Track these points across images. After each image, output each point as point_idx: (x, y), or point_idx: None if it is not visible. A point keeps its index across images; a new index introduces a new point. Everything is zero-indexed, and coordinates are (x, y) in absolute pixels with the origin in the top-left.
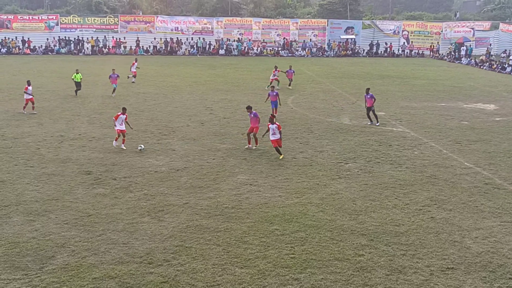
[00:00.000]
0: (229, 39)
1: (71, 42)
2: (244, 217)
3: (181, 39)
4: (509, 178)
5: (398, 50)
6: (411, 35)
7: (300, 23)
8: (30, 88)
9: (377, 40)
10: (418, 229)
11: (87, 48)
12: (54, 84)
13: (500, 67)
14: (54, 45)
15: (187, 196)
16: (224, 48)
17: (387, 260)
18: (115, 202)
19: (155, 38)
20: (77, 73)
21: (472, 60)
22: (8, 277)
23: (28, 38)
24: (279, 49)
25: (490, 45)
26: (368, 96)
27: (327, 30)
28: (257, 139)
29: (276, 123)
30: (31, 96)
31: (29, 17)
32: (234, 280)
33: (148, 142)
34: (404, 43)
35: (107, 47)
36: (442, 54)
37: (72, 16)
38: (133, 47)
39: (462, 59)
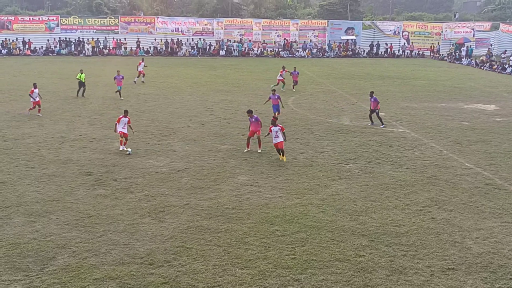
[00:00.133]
0: (230, 40)
1: (72, 43)
2: (245, 218)
3: (181, 40)
4: (510, 179)
5: (399, 50)
6: (411, 36)
7: (301, 24)
8: (36, 91)
9: (378, 41)
10: (419, 229)
11: (88, 49)
12: (54, 85)
13: (500, 68)
14: (55, 46)
15: (188, 197)
16: (225, 49)
17: (388, 261)
18: (115, 203)
19: (155, 39)
20: (81, 73)
21: (473, 61)
22: (9, 278)
23: (29, 39)
24: (280, 50)
25: (491, 45)
26: (372, 99)
27: (327, 31)
28: (260, 143)
29: (279, 125)
30: (36, 100)
31: (29, 18)
32: (234, 281)
33: (149, 143)
34: (404, 43)
35: (108, 48)
36: (443, 54)
37: (73, 17)
38: (134, 48)
39: (462, 59)
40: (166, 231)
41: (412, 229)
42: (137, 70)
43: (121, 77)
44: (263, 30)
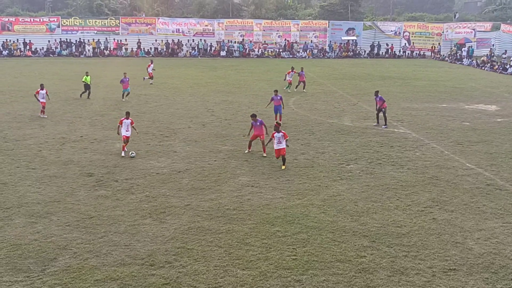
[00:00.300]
0: (230, 41)
1: (73, 44)
2: (246, 219)
3: (182, 41)
4: (511, 179)
5: (399, 51)
6: (412, 36)
7: (301, 24)
8: (41, 92)
9: (378, 41)
10: (420, 230)
11: (89, 50)
12: (55, 86)
13: (501, 68)
14: (56, 47)
15: (189, 198)
16: (225, 50)
17: (389, 262)
18: (116, 204)
19: (156, 40)
20: (87, 75)
21: (474, 61)
22: (10, 279)
23: (30, 40)
24: (280, 50)
25: (493, 45)
26: (377, 99)
27: (328, 32)
28: (264, 147)
29: (282, 131)
30: (42, 100)
31: (30, 19)
32: (236, 282)
33: (150, 144)
34: (405, 44)
35: (108, 49)
36: (443, 55)
37: (74, 18)
38: (134, 49)
39: (463, 60)
40: (167, 232)
41: (413, 229)
42: (147, 71)
43: (127, 79)
44: (264, 30)
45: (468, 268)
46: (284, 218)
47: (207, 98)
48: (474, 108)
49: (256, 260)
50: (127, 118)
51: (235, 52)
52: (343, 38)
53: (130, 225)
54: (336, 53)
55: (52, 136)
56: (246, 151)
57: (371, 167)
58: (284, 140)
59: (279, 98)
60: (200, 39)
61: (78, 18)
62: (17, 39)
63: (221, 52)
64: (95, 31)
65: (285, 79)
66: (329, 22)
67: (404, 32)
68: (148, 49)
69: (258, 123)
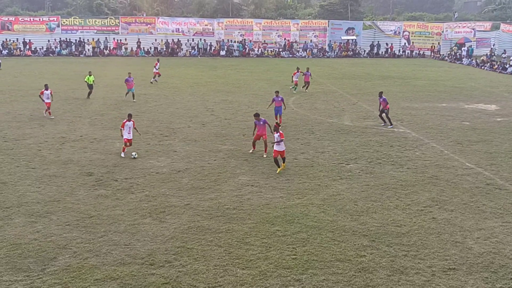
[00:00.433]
0: (230, 40)
1: (72, 43)
2: (246, 218)
3: (181, 41)
4: (511, 179)
5: (399, 50)
6: (412, 36)
7: (301, 24)
8: (46, 92)
9: (378, 41)
10: (420, 229)
11: (88, 49)
12: (55, 85)
13: (501, 68)
14: (55, 47)
15: (189, 197)
16: (225, 49)
17: (389, 261)
18: (116, 204)
19: (156, 40)
20: (90, 75)
21: (473, 61)
22: (10, 279)
23: (29, 40)
24: (280, 50)
25: (494, 45)
26: (381, 99)
27: (328, 31)
28: (266, 147)
29: (280, 131)
30: (48, 101)
31: (30, 19)
32: (235, 281)
33: (150, 143)
34: (405, 43)
35: (108, 49)
36: (443, 54)
37: (73, 18)
38: (134, 49)
39: (463, 59)
40: (167, 232)
41: (413, 229)
42: (155, 70)
43: (132, 79)
44: (264, 30)
45: (468, 267)
46: (284, 218)
47: (207, 98)
48: (474, 107)
49: (256, 260)
50: (129, 120)
51: (235, 51)
52: (342, 37)
53: (130, 224)
54: (335, 53)
55: (52, 135)
56: (250, 151)
57: (371, 167)
58: (281, 141)
59: (280, 99)
60: (200, 39)
61: (78, 17)
62: (17, 39)
63: (221, 51)
64: (95, 31)
65: (292, 81)
66: (328, 22)
67: (403, 31)
68: (148, 49)
69: (261, 122)
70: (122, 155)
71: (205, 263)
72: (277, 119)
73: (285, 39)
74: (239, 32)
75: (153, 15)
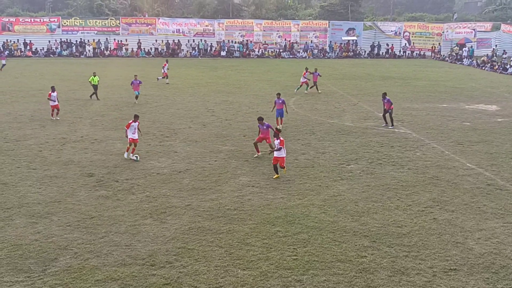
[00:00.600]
0: (231, 41)
1: (73, 44)
2: (246, 219)
3: (182, 41)
4: None
5: (400, 51)
6: (412, 36)
7: (302, 24)
8: (54, 94)
9: (379, 42)
10: (421, 230)
11: (89, 50)
12: (56, 86)
13: (501, 68)
14: (56, 48)
15: (189, 198)
16: (226, 50)
17: (390, 262)
18: (117, 204)
19: (156, 40)
20: (94, 75)
21: (474, 61)
22: (11, 280)
23: (30, 41)
24: (281, 50)
25: (496, 45)
26: (385, 101)
27: (328, 32)
28: (272, 149)
29: (280, 138)
30: (56, 103)
31: (31, 20)
32: (236, 282)
33: (150, 144)
34: (405, 44)
35: (109, 49)
36: (444, 55)
37: (74, 19)
38: (135, 49)
39: (463, 60)
40: (167, 232)
41: (414, 229)
42: (162, 71)
43: (138, 82)
44: (264, 31)
45: (469, 268)
46: (285, 218)
47: (208, 98)
48: (475, 108)
49: (257, 260)
50: (135, 121)
51: (235, 52)
52: (343, 38)
53: (131, 225)
54: (336, 53)
55: (53, 136)
56: (255, 155)
57: (372, 167)
58: (282, 148)
59: (281, 101)
60: (201, 39)
61: (78, 18)
62: (18, 40)
63: (222, 52)
64: (96, 32)
65: (304, 83)
66: (329, 22)
67: (404, 32)
68: (148, 50)
69: (264, 127)
70: (125, 156)
71: (206, 264)
72: (278, 123)
73: (285, 39)
74: (239, 33)
75: (154, 15)
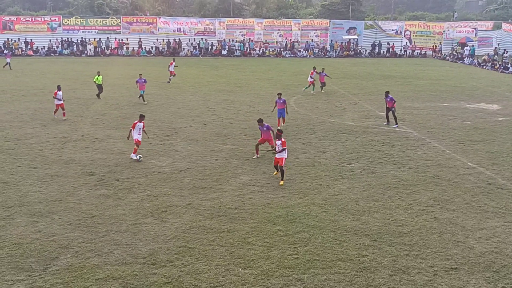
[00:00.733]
0: (232, 40)
1: (74, 43)
2: (247, 218)
3: (182, 40)
4: None
5: (401, 50)
6: (413, 35)
7: (302, 23)
8: (60, 93)
9: (379, 40)
10: (422, 229)
11: (90, 49)
12: (56, 85)
13: (502, 67)
14: (57, 47)
15: (190, 197)
16: (226, 49)
17: (391, 261)
18: (118, 203)
19: (157, 39)
20: (98, 75)
21: (475, 60)
22: (12, 278)
23: (31, 40)
24: (282, 49)
25: (499, 44)
26: (388, 99)
27: (329, 31)
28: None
29: (282, 139)
30: (61, 102)
31: (31, 19)
32: (237, 281)
33: (151, 143)
34: (406, 43)
35: (110, 48)
36: (445, 54)
37: (75, 18)
38: (136, 48)
39: (464, 59)
40: (168, 231)
41: (414, 228)
42: (168, 70)
43: (143, 80)
44: (265, 30)
45: (470, 267)
46: (286, 217)
47: (208, 97)
48: (476, 107)
49: (258, 259)
50: (140, 121)
51: (236, 51)
52: (344, 37)
53: (132, 224)
54: (337, 52)
55: (54, 135)
56: (254, 157)
57: (373, 166)
58: (282, 149)
59: (282, 101)
60: (201, 38)
61: (79, 17)
62: (19, 38)
63: (222, 51)
64: (96, 30)
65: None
66: (330, 21)
67: (405, 31)
68: (149, 48)
69: (264, 128)
70: (133, 157)
71: (206, 263)
72: (279, 123)
73: (286, 38)
74: (240, 32)
75: (155, 14)
